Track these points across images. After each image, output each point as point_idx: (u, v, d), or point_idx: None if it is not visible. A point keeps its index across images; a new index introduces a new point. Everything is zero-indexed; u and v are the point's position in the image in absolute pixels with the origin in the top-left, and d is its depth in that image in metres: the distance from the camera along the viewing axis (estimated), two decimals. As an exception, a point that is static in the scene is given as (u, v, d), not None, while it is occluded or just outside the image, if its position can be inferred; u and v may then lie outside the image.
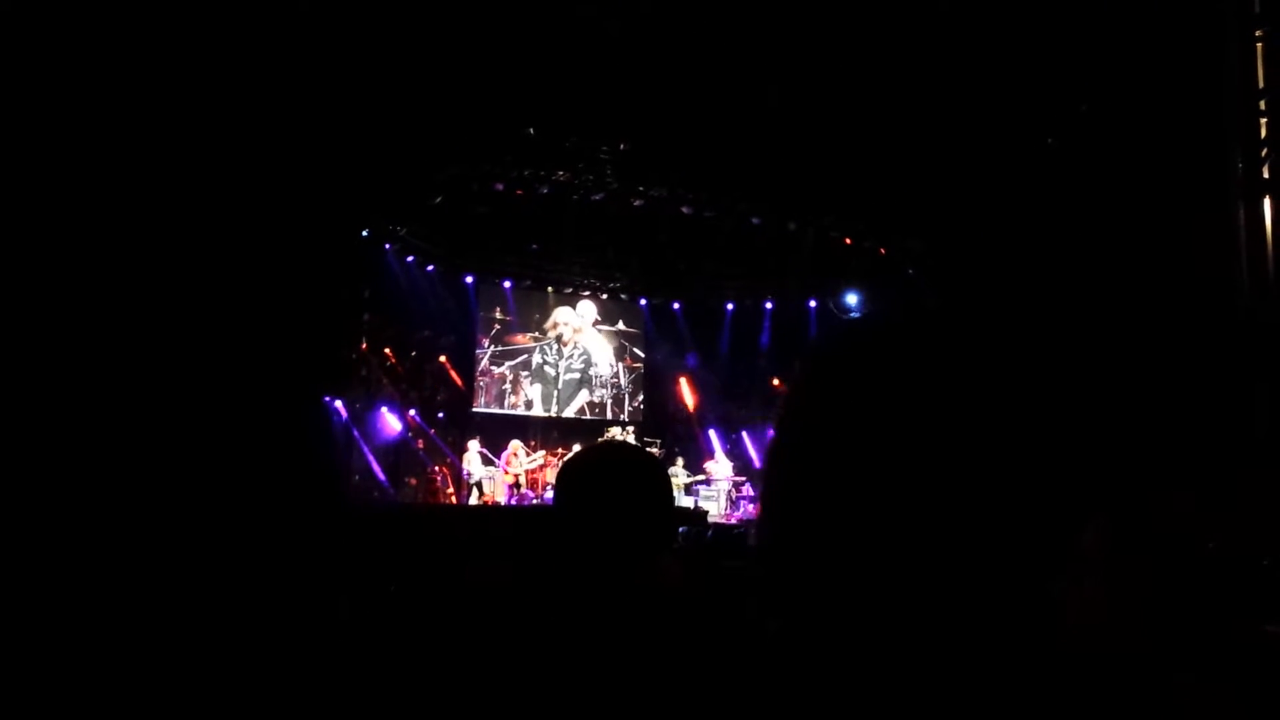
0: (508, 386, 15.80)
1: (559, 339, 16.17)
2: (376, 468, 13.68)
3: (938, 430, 0.65)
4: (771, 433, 0.74)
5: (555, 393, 16.08)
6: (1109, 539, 1.56)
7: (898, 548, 0.63)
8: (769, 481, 0.72)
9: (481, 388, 15.62)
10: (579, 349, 16.30)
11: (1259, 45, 7.56)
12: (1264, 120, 7.54)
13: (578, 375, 16.26)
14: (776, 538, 0.70)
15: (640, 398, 16.83)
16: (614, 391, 16.63)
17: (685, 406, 17.01)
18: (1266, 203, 7.39)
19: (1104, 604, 1.55)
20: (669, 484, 1.61)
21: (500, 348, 15.80)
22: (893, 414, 0.65)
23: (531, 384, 15.94)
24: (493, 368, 15.74)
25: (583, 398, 16.28)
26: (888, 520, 0.64)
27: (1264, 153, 7.47)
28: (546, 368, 16.07)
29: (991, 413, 0.65)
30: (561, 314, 16.24)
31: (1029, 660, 0.65)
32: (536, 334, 16.08)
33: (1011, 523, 0.64)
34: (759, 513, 0.73)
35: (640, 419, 16.56)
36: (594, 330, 16.49)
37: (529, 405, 15.86)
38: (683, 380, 17.06)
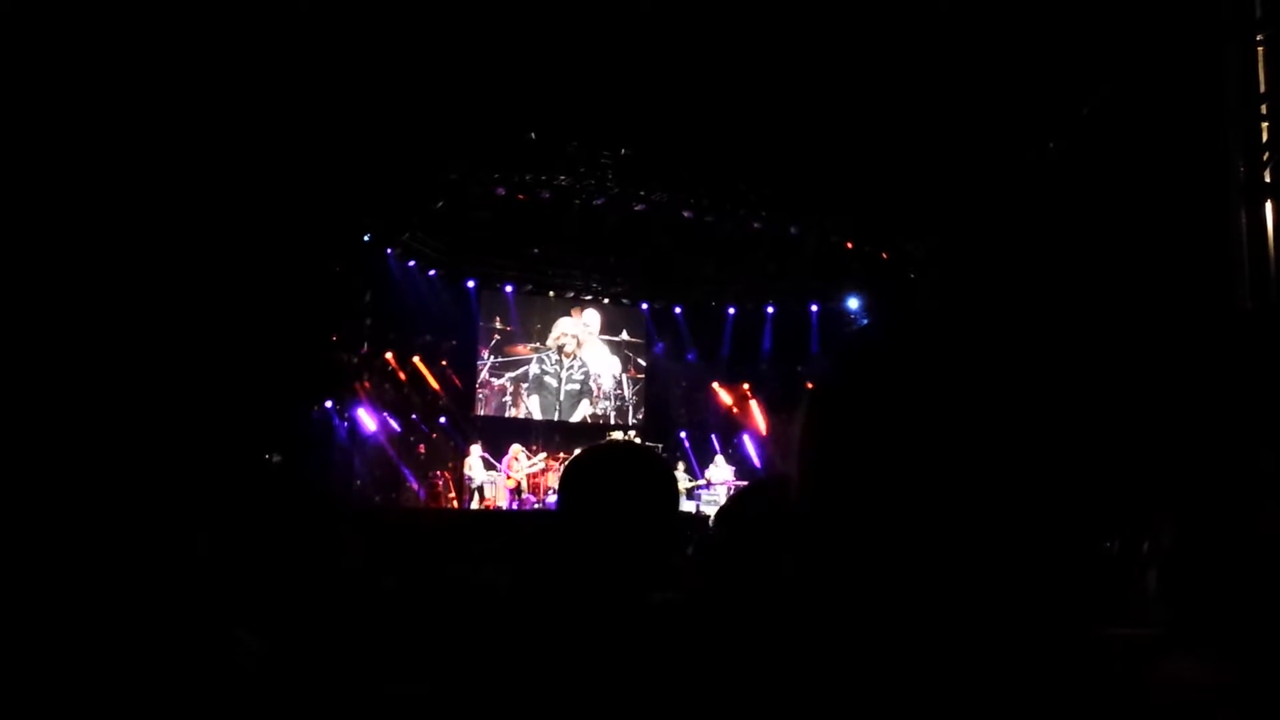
0: (508, 399, 15.77)
1: (560, 349, 16.12)
2: (377, 473, 13.68)
3: (969, 435, 0.65)
4: (795, 435, 0.73)
5: (556, 404, 16.04)
6: (1164, 544, 1.56)
7: (928, 554, 0.63)
8: (803, 484, 0.71)
9: (481, 399, 15.59)
10: (578, 360, 16.26)
11: (1260, 49, 7.56)
12: (1265, 124, 7.54)
13: (578, 386, 16.21)
14: (807, 545, 0.70)
15: (643, 410, 16.78)
16: (617, 404, 16.59)
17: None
18: (1268, 207, 7.39)
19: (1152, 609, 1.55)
20: (675, 484, 1.60)
21: (500, 359, 15.77)
22: (925, 421, 0.65)
23: (530, 396, 15.91)
24: (492, 379, 15.71)
25: (584, 409, 16.24)
26: (918, 527, 0.64)
27: (1265, 157, 7.47)
28: (547, 378, 16.02)
29: (1017, 415, 0.66)
30: (565, 324, 16.19)
31: (1061, 661, 0.65)
32: (537, 344, 16.03)
33: (1039, 528, 0.64)
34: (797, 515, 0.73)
35: (643, 426, 16.52)
36: (598, 341, 16.44)
37: (529, 415, 15.85)
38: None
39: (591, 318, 16.38)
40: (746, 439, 16.68)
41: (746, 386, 16.86)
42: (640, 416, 16.69)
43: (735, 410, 16.94)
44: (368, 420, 13.32)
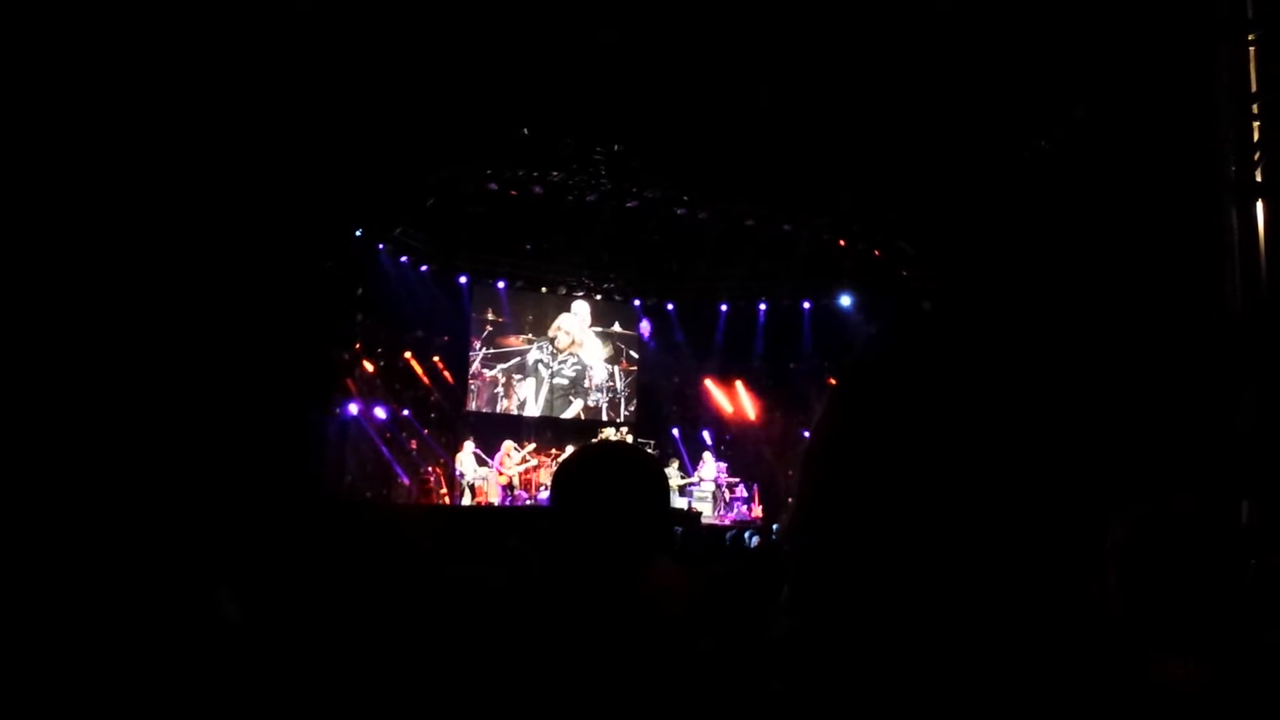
0: (500, 390, 15.75)
1: (553, 342, 16.11)
2: (369, 469, 13.66)
3: (965, 435, 0.65)
4: (809, 435, 0.75)
5: (548, 397, 16.03)
6: (1128, 540, 1.57)
7: (925, 547, 0.64)
8: (804, 483, 0.72)
9: (473, 391, 15.57)
10: (573, 356, 16.24)
11: (1252, 49, 7.58)
12: (1257, 124, 7.56)
13: (568, 381, 16.19)
14: (808, 538, 0.71)
15: (635, 402, 16.77)
16: (609, 396, 16.57)
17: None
18: (1259, 206, 7.41)
19: (1117, 605, 1.56)
20: (667, 484, 1.60)
21: (492, 350, 15.75)
22: (921, 421, 0.66)
23: (522, 382, 15.88)
24: (484, 370, 15.68)
25: (577, 405, 16.23)
26: (918, 520, 0.64)
27: (1257, 156, 7.49)
28: (541, 367, 16.02)
29: (1013, 416, 0.66)
30: (564, 320, 16.17)
31: (1053, 661, 0.65)
32: (530, 336, 16.02)
33: (1034, 524, 0.65)
34: (792, 512, 0.74)
35: (635, 421, 16.53)
36: (590, 333, 16.43)
37: (521, 408, 15.82)
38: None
39: (581, 308, 16.34)
40: (739, 436, 16.71)
41: (739, 383, 16.87)
42: (632, 409, 16.69)
43: (727, 407, 16.95)
44: (358, 416, 13.31)
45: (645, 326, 16.82)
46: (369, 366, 13.95)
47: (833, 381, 0.78)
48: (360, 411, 13.49)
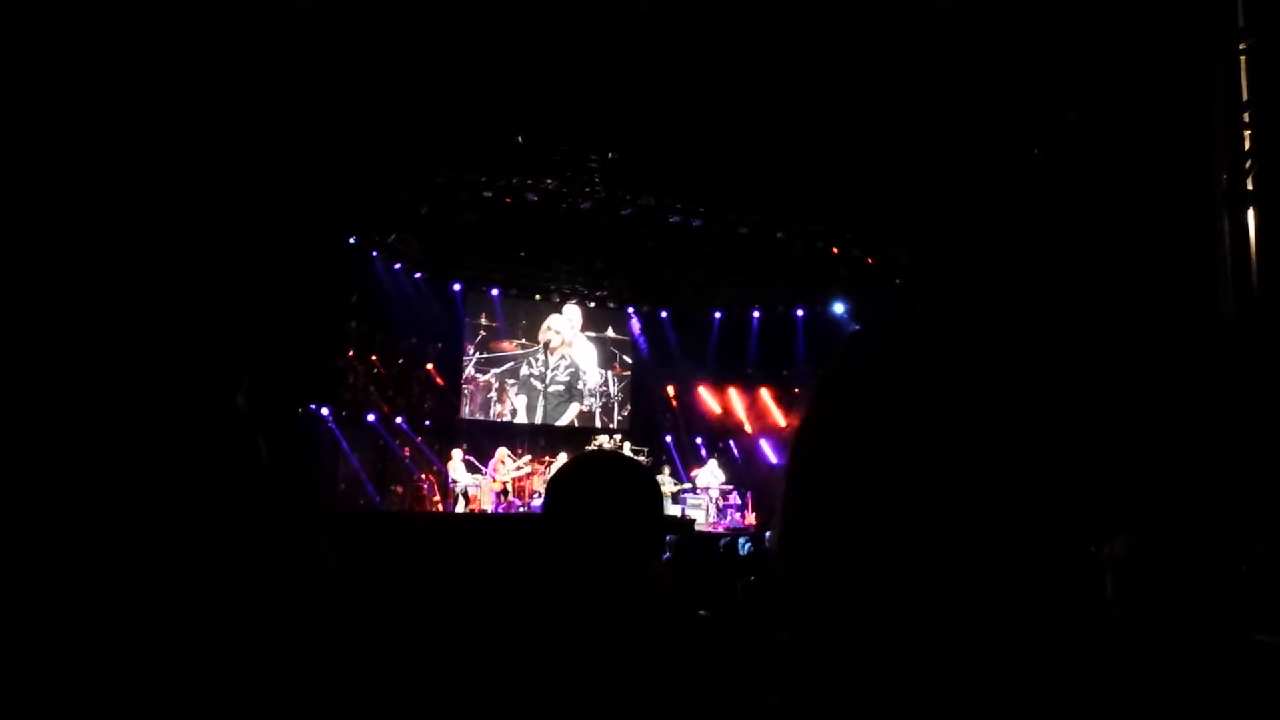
0: (493, 395, 15.72)
1: (546, 346, 16.09)
2: (362, 476, 13.62)
3: (946, 439, 0.65)
4: (790, 442, 0.74)
5: (541, 403, 16.01)
6: (1127, 551, 1.58)
7: (912, 554, 0.64)
8: (790, 490, 0.72)
9: (467, 396, 15.54)
10: (566, 360, 16.23)
11: (1243, 58, 7.63)
12: (1248, 132, 7.60)
13: (563, 386, 16.17)
14: (794, 546, 0.70)
15: (629, 408, 16.76)
16: (603, 401, 16.55)
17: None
18: (1251, 214, 7.45)
19: (1112, 614, 1.56)
20: (659, 493, 1.60)
21: (486, 355, 15.73)
22: (902, 424, 0.66)
23: (518, 394, 15.87)
24: (478, 375, 15.65)
25: (573, 410, 16.21)
26: (902, 527, 0.64)
27: (1248, 164, 7.53)
28: (533, 379, 16.00)
29: (994, 421, 0.66)
30: (553, 320, 16.17)
31: (1035, 666, 0.65)
32: (524, 341, 16.00)
33: (1019, 531, 0.65)
34: (778, 519, 0.73)
35: (628, 428, 16.50)
36: (583, 337, 16.41)
37: (514, 414, 15.80)
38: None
39: (571, 311, 16.33)
40: (732, 443, 16.69)
41: (733, 390, 16.87)
42: (626, 414, 16.67)
43: (721, 414, 16.94)
44: (351, 423, 13.28)
45: (635, 325, 16.83)
46: (362, 373, 13.91)
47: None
48: (353, 418, 13.45)
